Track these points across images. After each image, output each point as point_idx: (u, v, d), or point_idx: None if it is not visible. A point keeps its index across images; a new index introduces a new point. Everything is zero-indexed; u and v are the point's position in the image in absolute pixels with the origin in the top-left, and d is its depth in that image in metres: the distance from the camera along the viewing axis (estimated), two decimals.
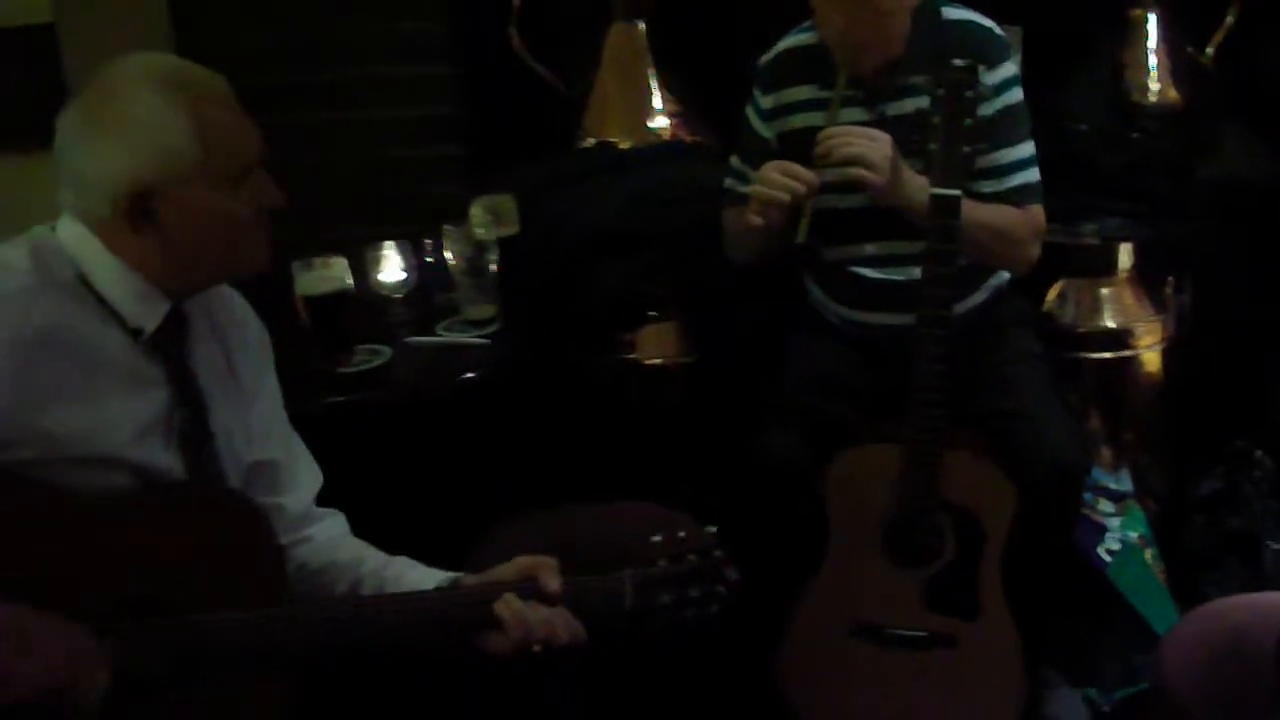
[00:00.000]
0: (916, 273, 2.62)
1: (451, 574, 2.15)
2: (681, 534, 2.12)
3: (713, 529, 2.15)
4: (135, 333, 2.00)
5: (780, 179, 2.63)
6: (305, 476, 2.28)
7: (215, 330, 2.15)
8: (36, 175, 3.14)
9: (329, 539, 2.25)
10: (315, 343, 2.93)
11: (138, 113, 1.92)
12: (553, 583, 2.04)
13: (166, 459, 2.02)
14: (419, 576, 2.15)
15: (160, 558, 1.95)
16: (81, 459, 1.94)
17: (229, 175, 1.98)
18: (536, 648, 2.01)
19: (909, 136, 2.62)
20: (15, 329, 1.90)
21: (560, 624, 2.02)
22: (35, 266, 1.96)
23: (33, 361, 1.91)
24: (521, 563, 2.08)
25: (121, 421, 1.98)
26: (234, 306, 2.22)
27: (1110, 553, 2.99)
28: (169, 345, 2.05)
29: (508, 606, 2.00)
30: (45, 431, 1.91)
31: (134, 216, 1.94)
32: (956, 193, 2.51)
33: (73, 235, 1.99)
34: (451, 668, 2.12)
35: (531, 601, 2.02)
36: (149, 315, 2.00)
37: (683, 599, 2.10)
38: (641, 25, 3.67)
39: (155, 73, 1.96)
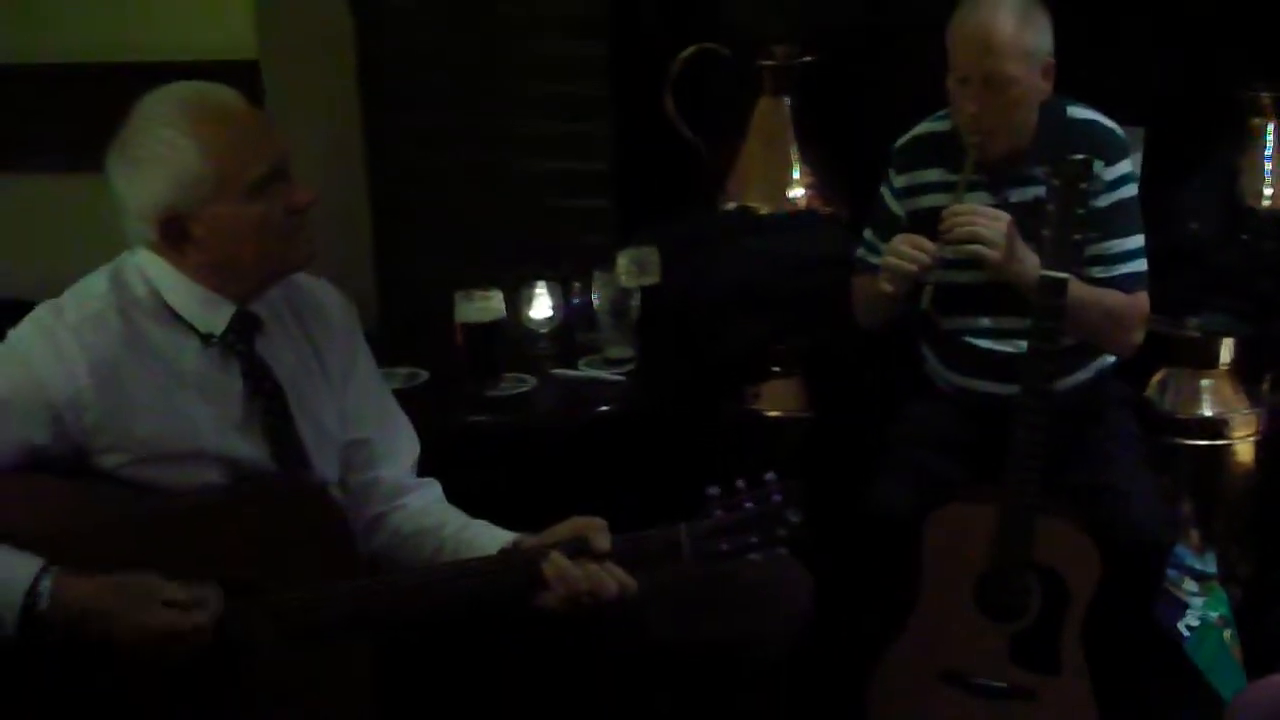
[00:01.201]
0: (1024, 346, 2.76)
1: (516, 534, 2.25)
2: (740, 483, 2.19)
3: (773, 475, 2.21)
4: (206, 337, 2.16)
5: (908, 251, 2.80)
6: (402, 449, 2.40)
7: (299, 322, 2.31)
8: None
9: (422, 506, 2.37)
10: (469, 366, 3.11)
11: (154, 145, 2.07)
12: (602, 541, 2.14)
13: (251, 449, 2.18)
14: (489, 538, 2.27)
15: (247, 546, 2.10)
16: (171, 457, 2.12)
17: (248, 187, 2.09)
18: (585, 600, 2.10)
19: (1028, 222, 2.76)
20: (97, 345, 2.09)
21: (606, 578, 2.11)
22: (113, 288, 2.15)
23: (116, 373, 2.09)
24: (576, 523, 2.18)
25: (203, 419, 2.15)
26: (317, 295, 2.35)
27: (1190, 628, 3.07)
28: (239, 344, 2.19)
29: (552, 564, 2.10)
30: (134, 436, 2.10)
31: (171, 238, 2.11)
32: (1065, 276, 2.65)
33: (144, 255, 2.17)
34: (519, 629, 2.22)
35: (579, 559, 2.11)
36: (216, 320, 2.16)
37: (743, 544, 2.16)
38: (787, 101, 3.80)
39: (171, 104, 2.11)
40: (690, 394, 3.38)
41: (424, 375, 3.16)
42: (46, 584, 1.96)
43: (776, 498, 2.18)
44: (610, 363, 3.29)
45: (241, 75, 3.56)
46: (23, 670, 2.01)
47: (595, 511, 2.90)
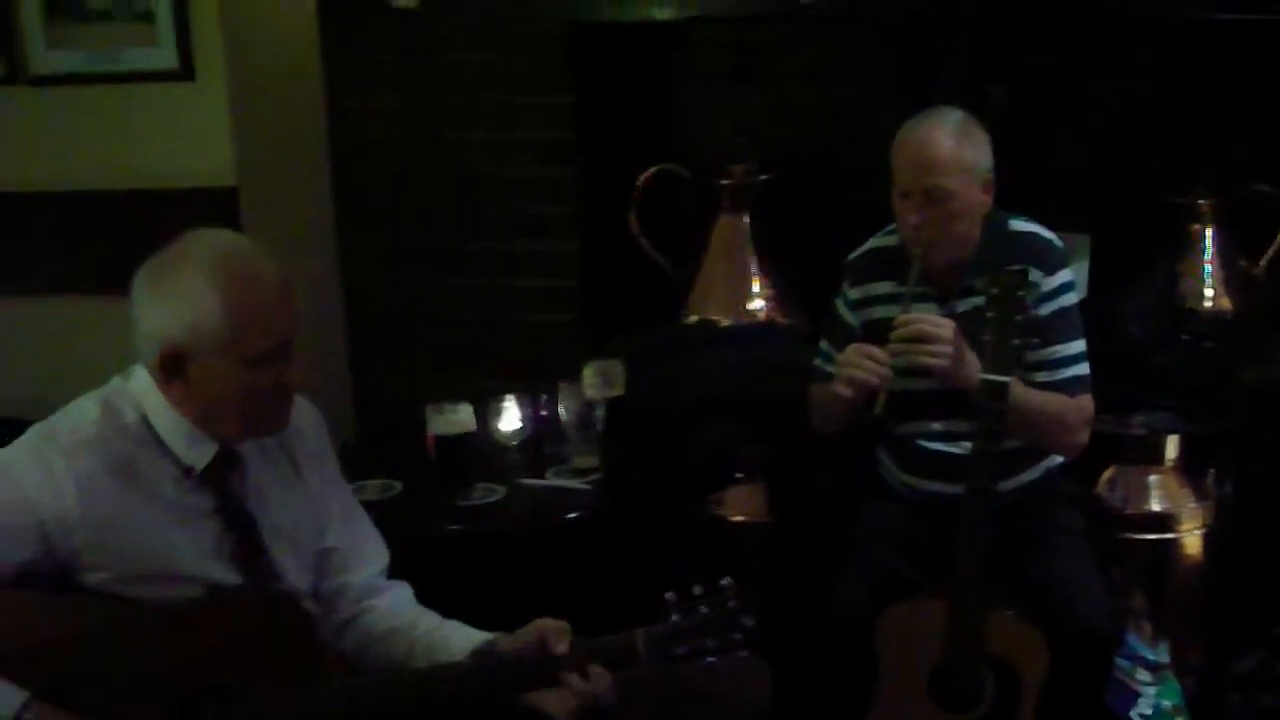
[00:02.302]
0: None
1: (488, 635, 2.33)
2: (696, 590, 2.25)
3: (728, 581, 2.26)
4: (187, 470, 2.23)
5: (860, 360, 2.90)
6: (370, 554, 2.47)
7: (279, 440, 2.35)
8: None
9: (390, 607, 2.44)
10: (441, 476, 3.19)
11: (182, 287, 2.14)
12: (560, 645, 2.22)
13: (225, 574, 2.24)
14: (462, 637, 2.35)
15: (220, 653, 2.16)
16: (152, 577, 2.18)
17: (253, 356, 2.16)
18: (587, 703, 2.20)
19: (973, 330, 2.86)
20: (86, 470, 2.15)
21: (600, 683, 2.21)
22: (104, 414, 2.21)
23: (102, 497, 2.15)
24: (538, 624, 2.26)
25: (181, 545, 2.21)
26: (294, 413, 2.35)
27: (1143, 717, 3.14)
28: (219, 479, 2.26)
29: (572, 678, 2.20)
30: (117, 556, 2.16)
31: (167, 370, 2.17)
32: (1005, 379, 2.76)
33: (140, 381, 2.23)
34: None
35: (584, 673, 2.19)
36: (199, 455, 2.23)
37: (699, 648, 2.22)
38: (746, 218, 3.92)
39: (212, 253, 2.18)
40: (655, 500, 3.45)
41: (398, 486, 3.24)
42: (29, 718, 2.02)
43: (732, 603, 2.24)
44: (577, 472, 3.37)
45: (221, 201, 3.68)
46: None
47: (565, 614, 2.99)
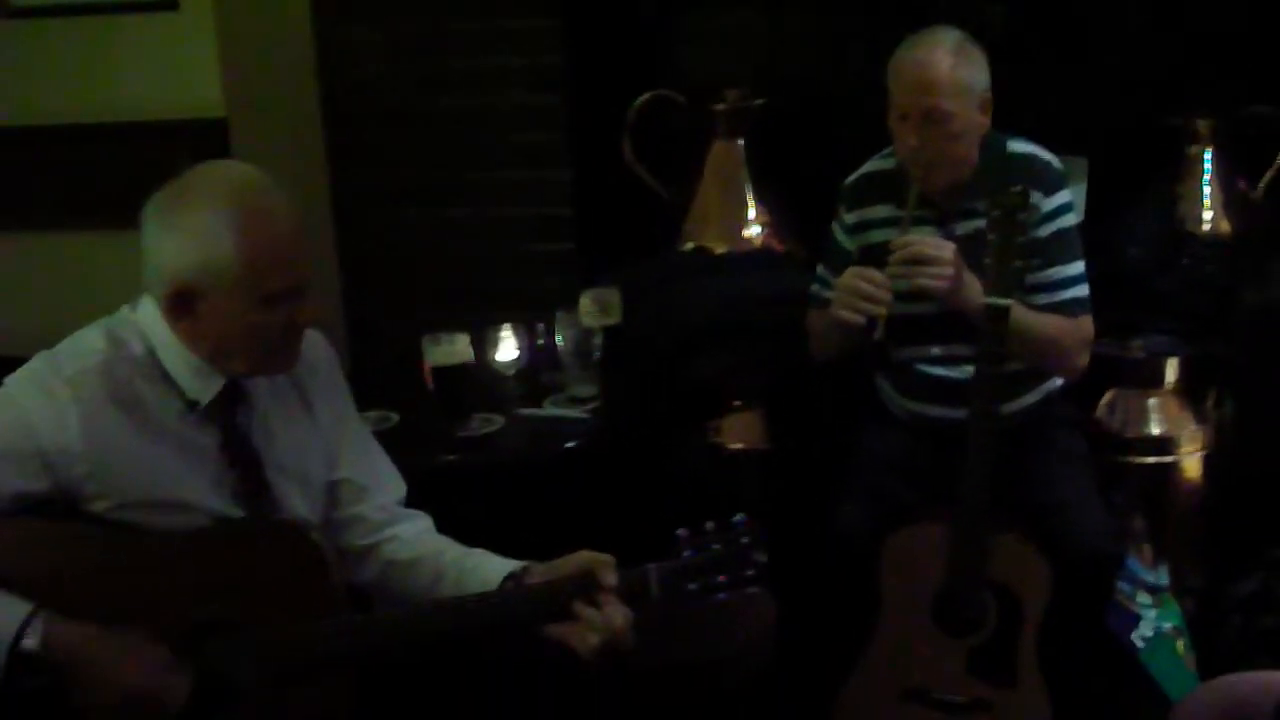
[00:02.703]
0: (973, 371, 2.86)
1: (520, 562, 2.30)
2: (708, 525, 2.24)
3: (741, 517, 2.25)
4: (192, 403, 2.20)
5: (861, 284, 2.89)
6: (386, 484, 2.45)
7: (289, 374, 2.31)
8: None
9: (414, 535, 2.42)
10: (438, 408, 3.17)
11: (195, 223, 2.08)
12: (610, 578, 2.18)
13: (228, 508, 2.23)
14: (492, 566, 2.32)
15: (229, 585, 2.15)
16: (156, 504, 2.17)
17: (265, 294, 2.11)
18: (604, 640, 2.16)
19: (973, 252, 2.86)
20: (90, 399, 2.13)
21: (624, 623, 2.17)
22: (109, 345, 2.18)
23: (106, 427, 2.13)
24: (582, 557, 2.24)
25: (183, 478, 2.19)
26: (305, 344, 2.30)
27: (1144, 639, 3.14)
28: (222, 415, 2.23)
29: (586, 607, 2.17)
30: (120, 485, 2.14)
31: (175, 307, 2.13)
32: (1007, 302, 2.76)
33: (147, 312, 2.19)
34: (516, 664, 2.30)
35: (591, 593, 2.17)
36: (204, 389, 2.20)
37: (711, 585, 2.20)
38: (741, 143, 3.90)
39: (226, 188, 2.12)
40: (653, 429, 3.45)
41: (395, 418, 3.22)
42: (36, 628, 2.02)
43: (744, 539, 2.24)
44: (575, 401, 3.35)
45: (210, 133, 3.65)
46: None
47: (564, 544, 3.00)
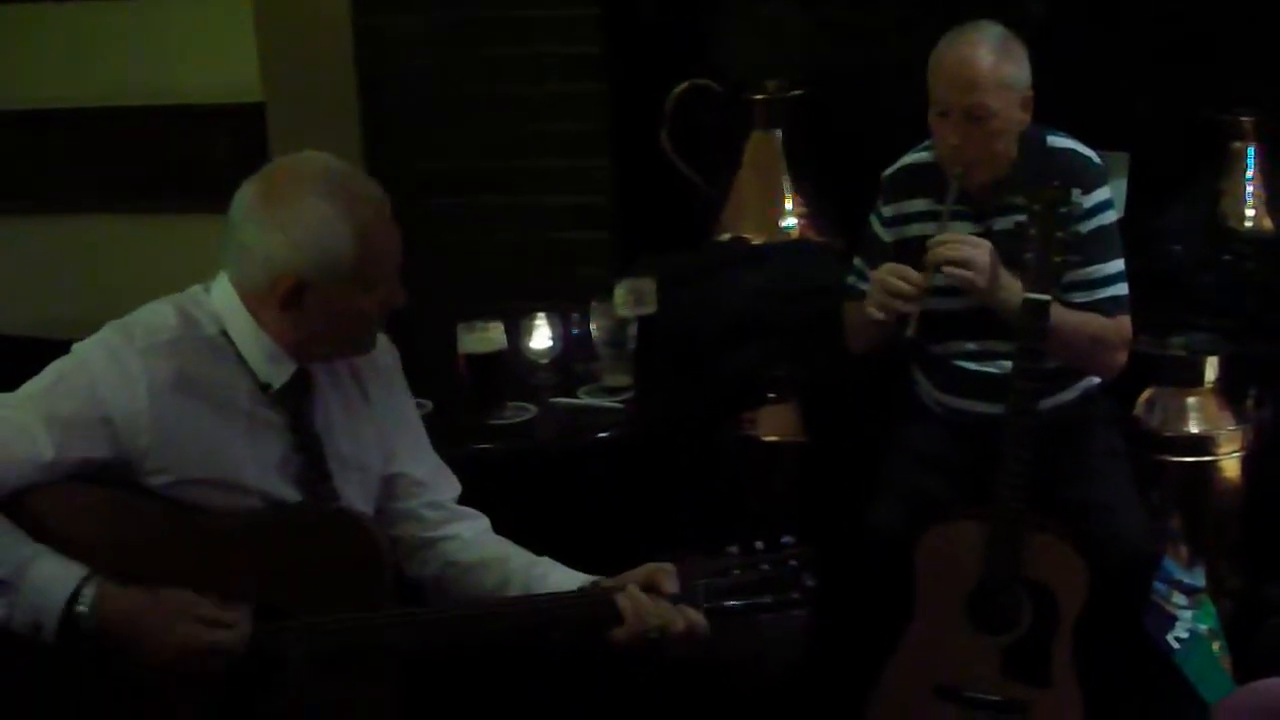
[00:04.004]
0: (1009, 366, 2.83)
1: (590, 577, 2.31)
2: (758, 544, 2.23)
3: (790, 539, 2.24)
4: (264, 386, 2.22)
5: (894, 281, 2.87)
6: (441, 484, 2.47)
7: (348, 364, 2.34)
8: None
9: (476, 537, 2.44)
10: (472, 395, 3.18)
11: (310, 216, 2.11)
12: (669, 585, 2.18)
13: (287, 492, 2.25)
14: (562, 577, 2.33)
15: (284, 570, 2.16)
16: (215, 483, 2.18)
17: (371, 280, 2.17)
18: (653, 634, 2.16)
19: (1010, 248, 2.83)
20: (160, 373, 2.14)
21: (676, 614, 2.17)
22: (182, 322, 2.20)
23: (173, 401, 2.14)
24: (647, 568, 2.22)
25: (245, 459, 2.21)
26: None
27: (1179, 640, 3.09)
28: (291, 399, 2.25)
29: (629, 596, 2.18)
30: (182, 461, 2.15)
31: (284, 299, 2.15)
32: (1046, 298, 2.73)
33: (224, 295, 2.21)
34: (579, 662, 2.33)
35: (652, 594, 2.17)
36: (278, 373, 2.22)
37: (756, 605, 2.21)
38: (779, 134, 3.88)
39: (330, 179, 2.15)
40: (687, 420, 3.43)
41: (429, 405, 3.21)
42: (89, 592, 2.04)
43: (793, 562, 2.23)
44: (609, 391, 3.35)
45: (248, 118, 3.66)
46: (54, 678, 2.09)
47: (601, 535, 3.00)
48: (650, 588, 2.20)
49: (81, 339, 2.23)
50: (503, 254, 4.02)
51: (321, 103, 4.01)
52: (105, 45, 3.83)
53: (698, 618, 2.19)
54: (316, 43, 4.01)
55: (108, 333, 2.19)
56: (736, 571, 2.23)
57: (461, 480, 2.54)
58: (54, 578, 2.04)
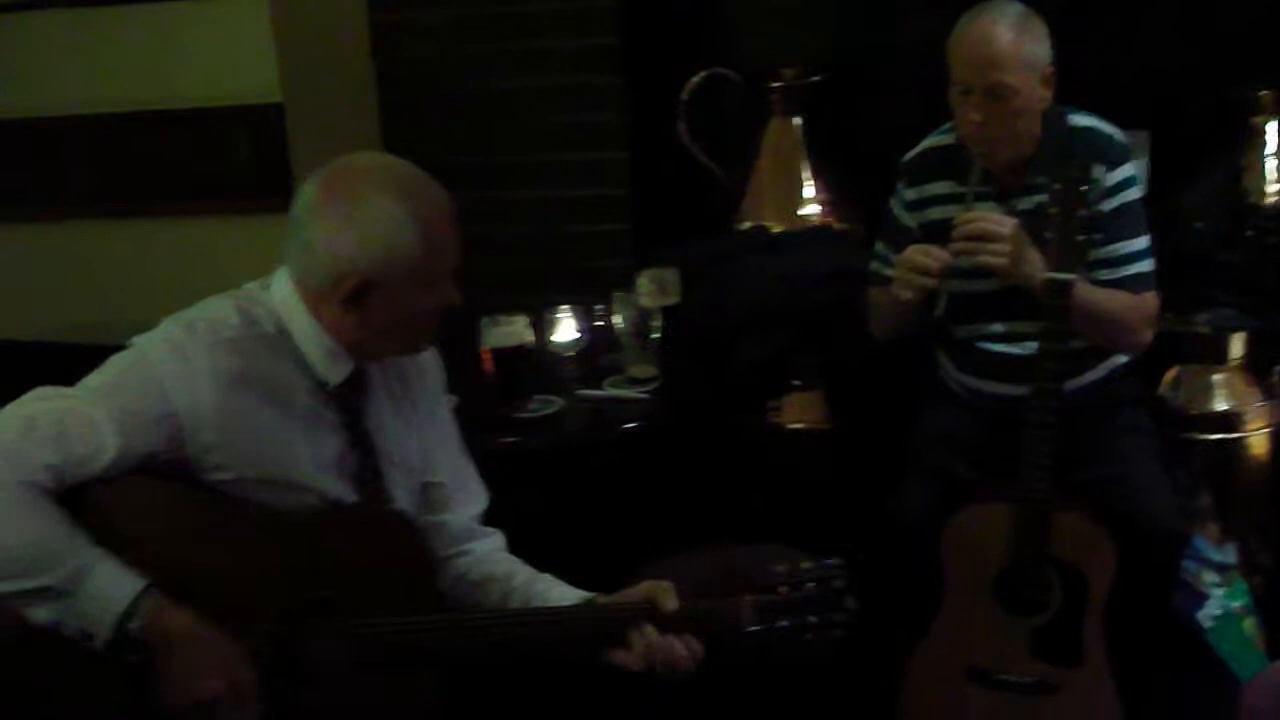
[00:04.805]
0: (1035, 348, 2.82)
1: (588, 594, 2.33)
2: (805, 564, 2.26)
3: (835, 560, 2.27)
4: (322, 384, 2.23)
5: (920, 258, 2.88)
6: (472, 497, 2.49)
7: (394, 366, 2.35)
8: (262, 235, 3.55)
9: (487, 554, 2.45)
10: (497, 389, 3.19)
11: (377, 215, 2.12)
12: (669, 604, 2.21)
13: (341, 489, 2.26)
14: (560, 593, 2.35)
15: (335, 568, 2.16)
16: (272, 482, 2.19)
17: (432, 279, 2.18)
18: (658, 669, 2.20)
19: (1034, 228, 2.83)
20: (224, 370, 2.15)
21: (682, 653, 2.20)
22: (243, 320, 2.20)
23: (235, 398, 2.15)
24: (645, 586, 2.25)
25: (303, 456, 2.22)
26: None
27: (1212, 618, 3.09)
28: (348, 398, 2.27)
29: (640, 635, 2.20)
30: (242, 458, 2.16)
31: (347, 298, 2.16)
32: (1070, 277, 2.72)
33: (283, 293, 2.22)
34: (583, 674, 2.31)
35: (668, 635, 2.20)
36: (336, 372, 2.23)
37: (801, 624, 2.23)
38: (797, 121, 3.89)
39: (397, 180, 2.16)
40: (712, 409, 3.45)
41: (454, 399, 3.23)
42: (145, 606, 2.03)
43: (838, 583, 2.25)
44: (634, 382, 3.36)
45: (267, 119, 3.67)
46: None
47: (627, 527, 3.01)
48: (650, 605, 2.22)
49: (108, 343, 2.23)
50: (524, 247, 4.03)
51: (340, 100, 4.02)
52: (123, 49, 3.84)
53: (698, 649, 2.21)
54: (334, 40, 4.03)
55: (171, 328, 2.19)
56: (783, 589, 2.25)
57: (487, 474, 2.54)
58: (110, 589, 2.03)
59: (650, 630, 2.20)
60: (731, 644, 2.27)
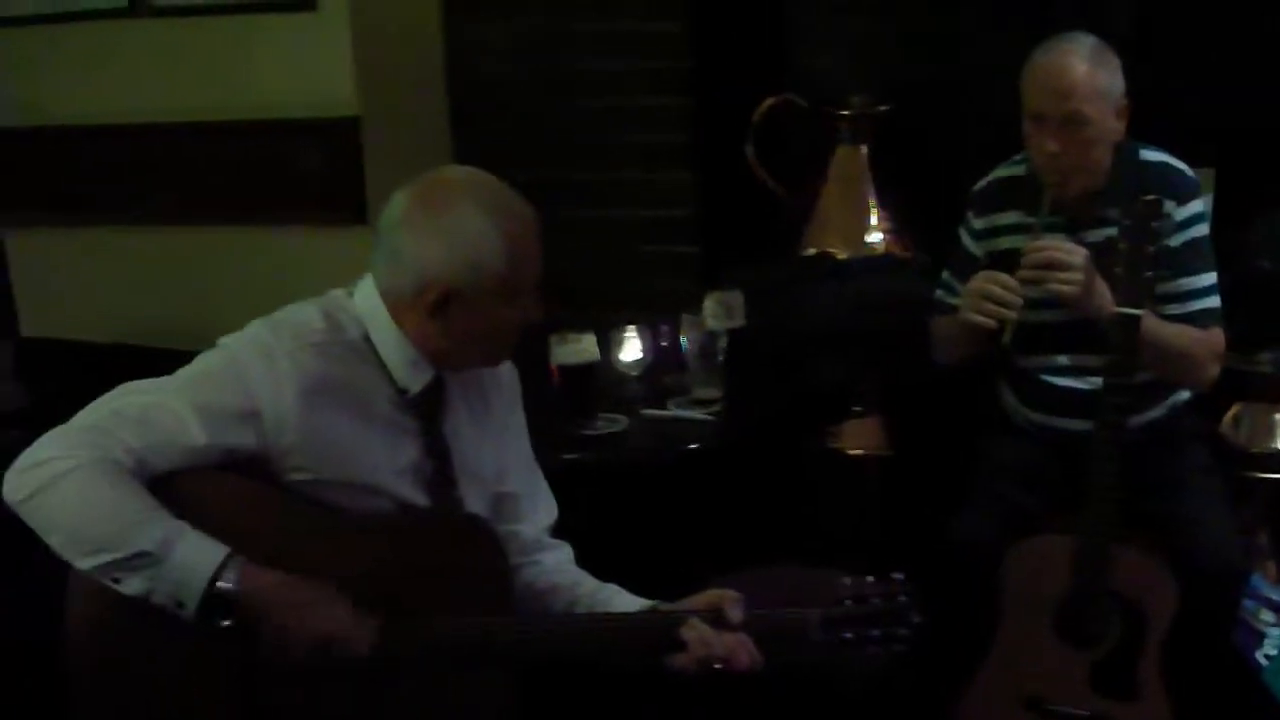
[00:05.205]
0: (1100, 382, 2.82)
1: (650, 601, 2.36)
2: (870, 578, 2.27)
3: (900, 575, 2.28)
4: (402, 392, 2.27)
5: (992, 288, 2.88)
6: (542, 508, 2.52)
7: (472, 377, 2.38)
8: (336, 246, 3.61)
9: (555, 564, 2.48)
10: (565, 406, 3.22)
11: (466, 226, 2.16)
12: (735, 614, 2.23)
13: (416, 496, 2.29)
14: (624, 601, 2.39)
15: (415, 571, 2.20)
16: (350, 485, 2.23)
17: (515, 293, 2.21)
18: (717, 665, 2.20)
19: (1103, 261, 2.83)
20: (308, 373, 2.19)
21: (740, 648, 2.22)
22: (328, 326, 2.24)
23: (318, 401, 2.19)
24: (711, 594, 2.28)
25: (381, 461, 2.25)
26: None
27: (1268, 657, 3.10)
28: (426, 406, 2.30)
29: (692, 629, 2.22)
30: (322, 460, 2.20)
31: (431, 307, 2.20)
32: (1138, 312, 2.73)
33: (368, 301, 2.26)
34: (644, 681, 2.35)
35: (716, 627, 2.22)
36: (416, 380, 2.27)
37: (865, 637, 2.24)
38: (864, 149, 3.87)
39: (487, 194, 2.21)
40: (774, 432, 3.46)
41: None
42: (233, 570, 2.07)
43: (902, 598, 2.27)
44: (698, 403, 3.37)
45: (344, 132, 3.71)
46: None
47: (691, 543, 3.03)
48: (714, 618, 2.24)
49: (180, 348, 2.28)
50: (593, 265, 4.04)
51: (414, 115, 4.06)
52: (197, 60, 3.89)
53: (758, 656, 2.23)
54: (410, 56, 4.08)
55: (258, 330, 2.24)
56: (849, 603, 2.26)
57: (553, 489, 2.57)
58: (200, 553, 2.07)
59: (699, 624, 2.22)
60: (793, 657, 2.30)
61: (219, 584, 2.07)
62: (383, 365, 2.26)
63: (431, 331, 2.23)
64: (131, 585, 2.07)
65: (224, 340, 2.25)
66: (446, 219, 2.18)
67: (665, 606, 2.33)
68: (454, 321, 2.22)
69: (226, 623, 2.08)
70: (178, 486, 2.15)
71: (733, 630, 2.23)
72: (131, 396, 2.18)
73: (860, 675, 2.87)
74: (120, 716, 2.16)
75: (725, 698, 2.52)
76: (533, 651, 2.25)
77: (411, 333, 2.24)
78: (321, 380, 2.20)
